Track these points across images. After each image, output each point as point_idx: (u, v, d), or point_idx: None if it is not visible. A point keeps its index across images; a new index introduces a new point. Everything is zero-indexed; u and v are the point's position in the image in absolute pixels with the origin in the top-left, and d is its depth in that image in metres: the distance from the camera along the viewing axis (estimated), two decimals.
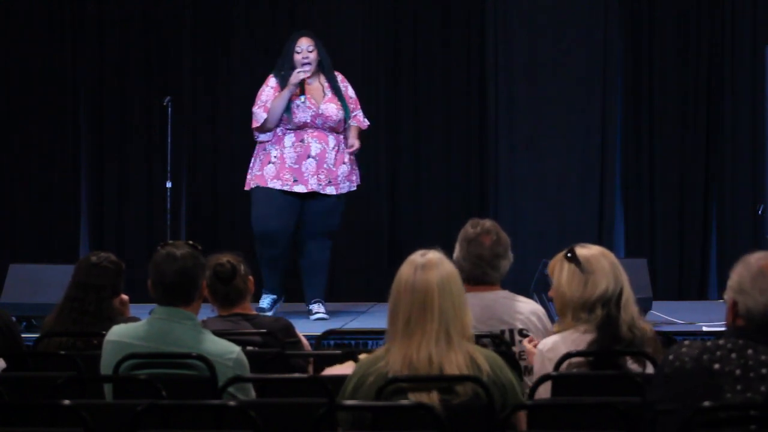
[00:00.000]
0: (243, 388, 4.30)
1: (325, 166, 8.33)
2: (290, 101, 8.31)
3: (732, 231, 10.01)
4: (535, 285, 8.33)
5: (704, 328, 7.80)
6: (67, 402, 3.69)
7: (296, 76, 8.28)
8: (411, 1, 10.29)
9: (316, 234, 8.46)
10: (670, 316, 8.19)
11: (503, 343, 4.84)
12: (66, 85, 10.27)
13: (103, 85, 10.30)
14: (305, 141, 8.34)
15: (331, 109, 8.36)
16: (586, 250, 4.39)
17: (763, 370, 3.27)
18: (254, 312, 5.40)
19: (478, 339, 4.24)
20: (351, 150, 8.39)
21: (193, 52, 10.27)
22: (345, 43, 9.90)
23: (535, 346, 4.54)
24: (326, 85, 8.45)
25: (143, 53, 10.31)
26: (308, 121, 8.33)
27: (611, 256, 4.41)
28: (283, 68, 8.39)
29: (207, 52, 10.30)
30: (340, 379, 4.08)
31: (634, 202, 10.19)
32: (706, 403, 3.21)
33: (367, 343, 6.98)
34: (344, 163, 8.42)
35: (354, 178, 8.51)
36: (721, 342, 3.33)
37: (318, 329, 6.77)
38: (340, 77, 8.53)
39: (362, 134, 8.58)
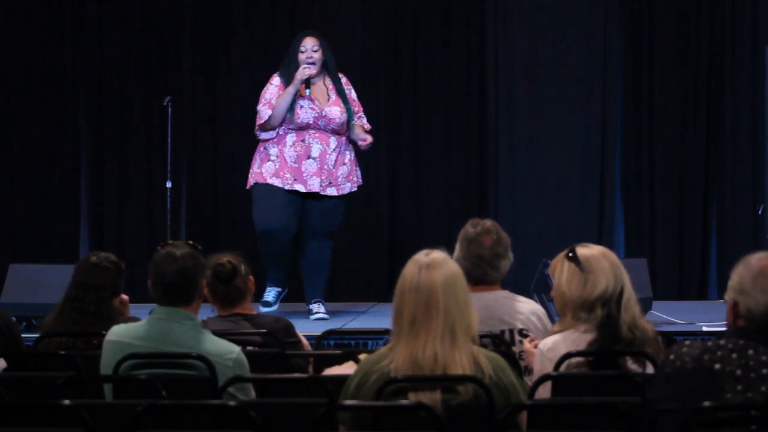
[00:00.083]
0: (243, 388, 4.30)
1: (326, 167, 8.33)
2: (294, 102, 8.30)
3: (732, 231, 10.01)
4: (535, 285, 8.33)
5: (704, 328, 7.79)
6: (67, 402, 3.69)
7: (302, 72, 8.28)
8: (411, 1, 10.29)
9: (317, 234, 8.46)
10: (670, 316, 8.18)
11: (503, 343, 4.84)
12: (66, 85, 10.28)
13: (103, 85, 10.30)
14: (306, 141, 8.34)
15: (335, 111, 8.35)
16: (587, 250, 4.39)
17: (764, 371, 3.27)
18: (254, 312, 5.40)
19: (478, 339, 4.24)
20: (366, 143, 8.37)
21: (193, 52, 10.27)
22: (345, 43, 9.90)
23: (535, 346, 4.54)
24: (330, 87, 8.44)
25: (143, 53, 10.31)
26: (311, 122, 8.32)
27: (612, 256, 4.40)
28: (289, 67, 8.39)
29: (207, 52, 10.30)
30: (340, 379, 4.08)
31: (634, 202, 10.19)
32: (707, 403, 3.20)
33: (367, 343, 6.98)
34: (344, 163, 8.42)
35: (354, 178, 8.51)
36: (721, 342, 3.33)
37: (318, 329, 6.77)
38: (344, 80, 8.52)
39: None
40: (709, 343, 3.34)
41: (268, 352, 4.85)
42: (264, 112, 8.34)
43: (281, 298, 8.52)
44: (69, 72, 10.27)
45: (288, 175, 8.30)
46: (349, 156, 8.47)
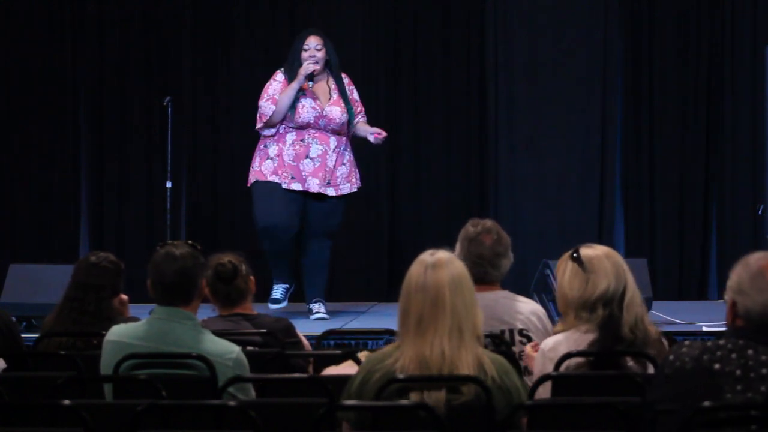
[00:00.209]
0: (243, 388, 4.30)
1: (326, 168, 8.33)
2: (296, 99, 8.29)
3: (732, 231, 10.01)
4: (535, 285, 8.32)
5: (704, 328, 7.79)
6: (67, 402, 3.69)
7: (306, 68, 8.28)
8: (411, 1, 10.30)
9: (317, 234, 8.46)
10: (670, 316, 8.18)
11: (503, 343, 4.84)
12: (66, 85, 10.28)
13: (103, 85, 10.30)
14: (306, 141, 8.34)
15: (335, 111, 8.35)
16: (590, 251, 4.39)
17: (764, 371, 3.27)
18: (255, 312, 5.40)
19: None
20: (381, 136, 8.35)
21: (193, 52, 10.27)
22: (345, 43, 9.89)
23: (536, 351, 4.54)
24: (333, 86, 8.44)
25: (143, 53, 10.31)
26: (311, 121, 8.32)
27: (616, 256, 4.40)
28: (292, 65, 8.38)
29: (207, 52, 10.30)
30: (340, 379, 4.08)
31: (634, 202, 10.19)
32: (707, 403, 3.20)
33: (367, 343, 6.98)
34: (343, 164, 8.42)
35: (354, 179, 8.51)
36: (721, 342, 3.33)
37: (318, 329, 6.77)
38: (346, 80, 8.52)
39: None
40: (709, 344, 3.33)
41: (268, 352, 4.85)
42: (267, 107, 8.33)
43: (289, 295, 8.52)
44: (69, 72, 10.27)
45: (286, 174, 8.30)
46: (348, 156, 8.47)
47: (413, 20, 10.30)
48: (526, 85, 10.15)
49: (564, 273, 4.39)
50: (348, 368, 4.65)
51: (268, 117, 8.33)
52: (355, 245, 10.01)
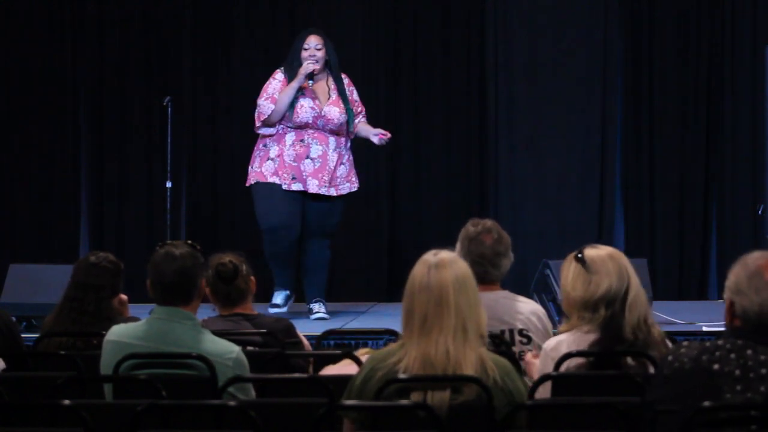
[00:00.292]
0: (243, 388, 4.30)
1: (327, 168, 8.33)
2: (295, 99, 8.29)
3: (732, 231, 10.01)
4: (535, 285, 8.33)
5: (704, 328, 7.79)
6: (67, 402, 3.69)
7: (306, 67, 8.28)
8: (411, 1, 10.29)
9: (317, 234, 8.46)
10: (670, 316, 8.18)
11: (503, 343, 4.84)
12: (66, 85, 10.27)
13: (103, 85, 10.30)
14: (305, 141, 8.34)
15: (334, 112, 8.35)
16: (594, 251, 4.39)
17: (763, 371, 3.27)
18: (255, 312, 5.40)
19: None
20: (386, 137, 8.35)
21: (193, 52, 10.27)
22: (345, 43, 9.88)
23: (537, 358, 4.55)
24: (332, 86, 8.44)
25: (143, 53, 10.30)
26: (309, 121, 8.32)
27: (620, 257, 4.39)
28: (292, 65, 8.38)
29: (207, 52, 10.29)
30: (340, 379, 4.08)
31: (634, 202, 10.19)
32: (707, 403, 3.20)
33: (367, 342, 6.98)
34: (343, 164, 8.43)
35: (353, 179, 8.51)
36: (720, 342, 3.33)
37: (318, 329, 6.77)
38: (346, 80, 8.52)
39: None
40: (707, 344, 3.33)
41: (268, 352, 4.85)
42: (266, 106, 8.33)
43: (290, 302, 8.50)
44: (69, 72, 10.27)
45: (287, 175, 8.30)
46: (347, 156, 8.48)
47: (413, 20, 10.30)
48: (526, 85, 10.15)
49: (568, 273, 4.40)
50: (346, 367, 4.65)
51: (266, 116, 8.32)
52: (355, 245, 10.01)
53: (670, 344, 4.33)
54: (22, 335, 5.73)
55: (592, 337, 4.31)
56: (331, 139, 8.37)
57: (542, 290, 8.20)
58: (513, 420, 3.66)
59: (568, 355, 4.28)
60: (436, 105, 10.26)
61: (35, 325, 7.83)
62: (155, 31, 10.28)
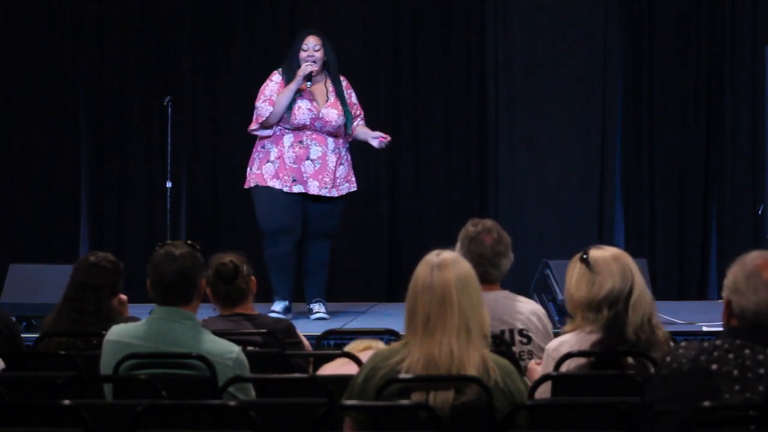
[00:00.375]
0: (243, 388, 4.30)
1: (327, 169, 8.33)
2: (293, 101, 8.29)
3: (732, 231, 10.01)
4: (535, 285, 8.33)
5: (704, 328, 7.79)
6: (67, 402, 3.69)
7: (304, 69, 8.28)
8: (411, 1, 10.29)
9: (317, 235, 8.46)
10: (670, 316, 8.17)
11: (503, 343, 4.84)
12: (66, 85, 10.27)
13: (103, 85, 10.30)
14: (304, 142, 8.34)
15: (332, 114, 8.34)
16: (598, 252, 4.40)
17: (761, 370, 3.27)
18: (256, 312, 5.40)
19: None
20: (386, 140, 8.34)
21: (193, 52, 10.27)
22: (345, 43, 9.89)
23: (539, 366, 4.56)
24: (330, 88, 8.44)
25: (143, 53, 10.30)
26: (307, 123, 8.32)
27: (624, 258, 4.39)
28: (290, 65, 8.38)
29: (207, 52, 10.29)
30: (340, 379, 4.08)
31: (634, 202, 10.19)
32: (707, 403, 3.20)
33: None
34: (342, 164, 8.43)
35: (352, 179, 8.51)
36: (717, 342, 3.33)
37: (318, 329, 6.77)
38: (345, 83, 8.51)
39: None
40: (705, 344, 3.33)
41: (269, 352, 4.85)
42: (264, 109, 8.33)
43: (289, 315, 8.48)
44: (69, 72, 10.27)
45: (287, 177, 8.30)
46: (346, 157, 8.48)
47: (413, 20, 10.30)
48: (526, 85, 10.14)
49: (572, 274, 4.41)
50: (344, 366, 4.66)
51: (264, 118, 8.32)
52: (355, 245, 10.01)
53: (673, 345, 4.33)
54: (22, 335, 5.74)
55: (593, 337, 4.32)
56: (330, 140, 8.37)
57: (542, 290, 8.20)
58: (513, 420, 3.66)
59: (568, 355, 4.28)
60: (436, 105, 10.26)
61: (35, 325, 7.83)
62: (155, 31, 10.28)
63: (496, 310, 4.92)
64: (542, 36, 10.13)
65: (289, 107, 8.29)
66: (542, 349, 4.89)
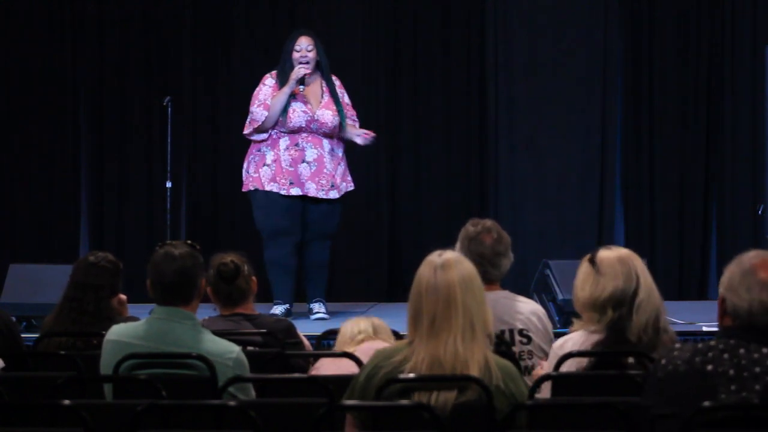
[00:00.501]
0: (243, 388, 4.30)
1: (325, 171, 8.33)
2: (287, 103, 8.29)
3: (732, 231, 10.01)
4: (535, 285, 8.33)
5: (704, 328, 7.80)
6: (67, 402, 3.69)
7: (297, 72, 8.28)
8: (411, 1, 10.29)
9: (317, 236, 8.46)
10: (670, 316, 8.12)
11: (503, 343, 4.84)
12: (66, 85, 10.27)
13: (103, 85, 10.30)
14: (300, 145, 8.34)
15: (327, 115, 8.35)
16: (605, 253, 4.40)
17: (757, 369, 3.26)
18: (256, 312, 5.40)
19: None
20: (370, 136, 8.35)
21: (193, 52, 10.27)
22: (345, 43, 9.90)
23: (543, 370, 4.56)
24: (324, 89, 8.44)
25: (143, 53, 10.30)
26: (303, 125, 8.32)
27: (631, 260, 4.37)
28: (284, 67, 8.38)
29: (207, 52, 10.29)
30: (340, 379, 4.08)
31: (634, 202, 10.19)
32: (707, 404, 3.20)
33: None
34: (339, 164, 8.43)
35: (348, 178, 8.53)
36: (712, 343, 3.33)
37: (318, 329, 6.77)
38: (337, 83, 8.52)
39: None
40: (700, 345, 3.32)
41: (269, 352, 4.85)
42: (259, 113, 8.33)
43: (289, 315, 8.49)
44: (69, 72, 10.27)
45: (284, 180, 8.30)
46: (342, 157, 8.48)
47: (413, 20, 10.30)
48: (526, 85, 10.15)
49: (579, 274, 4.42)
50: (341, 362, 4.66)
51: (259, 123, 8.33)
52: (355, 245, 10.01)
53: None
54: (22, 335, 5.73)
55: (596, 337, 4.32)
56: (326, 142, 8.37)
57: (542, 290, 8.20)
58: (513, 420, 3.66)
59: (568, 355, 4.28)
60: (436, 105, 10.26)
61: (35, 325, 7.83)
62: (155, 31, 10.28)
63: (496, 310, 4.90)
64: (542, 36, 10.13)
65: (284, 110, 8.29)
66: (542, 349, 4.89)
